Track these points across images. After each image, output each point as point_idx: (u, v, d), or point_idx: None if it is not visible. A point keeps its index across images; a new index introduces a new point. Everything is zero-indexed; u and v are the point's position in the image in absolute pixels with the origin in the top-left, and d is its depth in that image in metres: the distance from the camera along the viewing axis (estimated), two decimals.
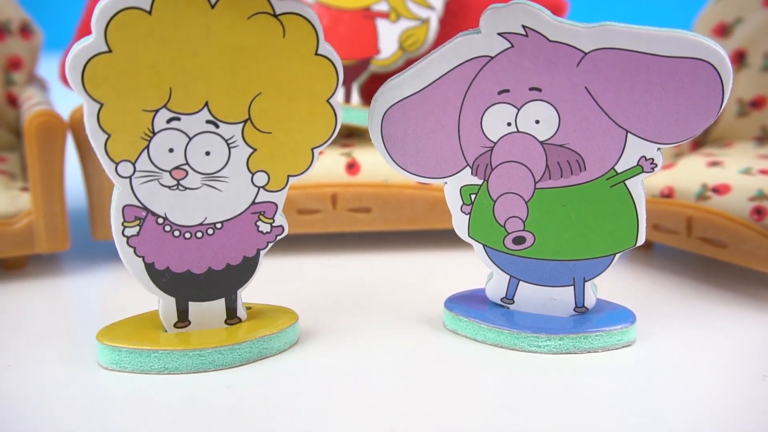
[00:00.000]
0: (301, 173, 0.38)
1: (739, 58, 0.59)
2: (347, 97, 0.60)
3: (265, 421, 0.34)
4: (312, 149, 0.38)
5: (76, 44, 0.34)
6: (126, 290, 0.50)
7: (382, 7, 0.59)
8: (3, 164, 0.56)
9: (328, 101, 0.37)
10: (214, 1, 0.35)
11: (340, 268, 0.54)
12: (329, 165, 0.55)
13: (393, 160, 0.40)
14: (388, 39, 0.59)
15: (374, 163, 0.55)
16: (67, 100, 0.58)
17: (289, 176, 0.38)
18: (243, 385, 0.37)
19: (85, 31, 0.61)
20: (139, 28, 0.34)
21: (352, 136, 0.61)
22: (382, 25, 0.59)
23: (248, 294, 0.41)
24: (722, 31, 0.60)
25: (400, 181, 0.55)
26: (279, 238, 0.39)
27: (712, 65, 0.36)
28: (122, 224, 0.37)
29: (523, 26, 0.37)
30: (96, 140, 0.36)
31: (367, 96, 0.61)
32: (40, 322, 0.45)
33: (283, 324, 0.40)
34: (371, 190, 0.55)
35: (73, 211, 0.59)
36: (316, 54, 0.36)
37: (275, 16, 0.35)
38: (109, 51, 0.34)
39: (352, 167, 0.55)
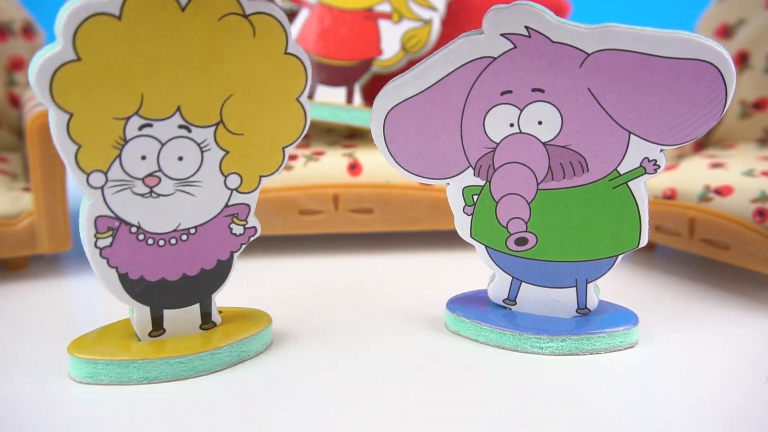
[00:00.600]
0: (273, 173, 0.38)
1: (742, 60, 0.59)
2: (349, 98, 0.60)
3: (270, 423, 0.34)
4: (283, 148, 0.38)
5: (41, 53, 0.33)
6: None
7: (385, 8, 0.59)
8: (5, 165, 0.56)
9: (297, 99, 0.38)
10: (185, 3, 0.34)
11: (342, 268, 0.54)
12: (331, 166, 0.55)
13: (395, 160, 0.40)
14: (391, 40, 0.59)
15: (376, 164, 0.55)
16: None
17: (261, 176, 0.38)
18: (242, 388, 0.37)
19: None
20: (108, 34, 0.33)
21: (354, 137, 0.61)
22: (384, 26, 0.59)
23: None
24: (725, 32, 0.60)
25: (401, 182, 0.55)
26: (252, 239, 0.39)
27: (715, 66, 0.36)
28: (94, 236, 0.36)
29: (526, 27, 0.37)
30: (65, 152, 0.34)
31: (369, 97, 0.61)
32: (42, 322, 0.45)
33: (260, 326, 0.40)
34: (373, 191, 0.55)
35: (74, 212, 0.59)
36: (286, 53, 0.37)
37: (245, 16, 0.35)
38: (78, 59, 0.33)
39: (354, 168, 0.55)
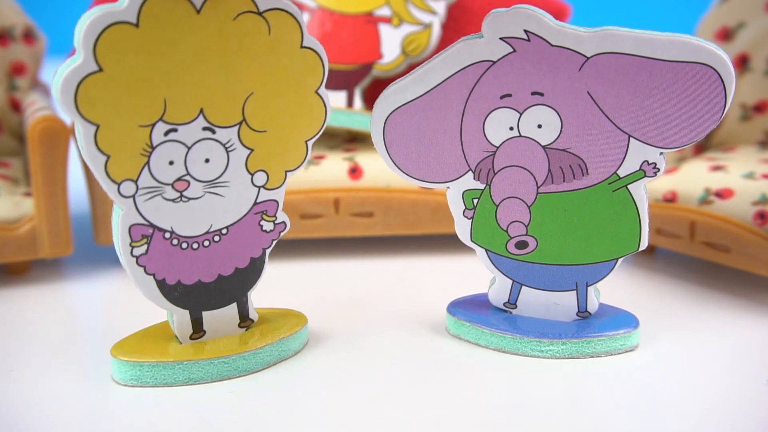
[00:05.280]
0: (297, 167, 0.39)
1: (742, 63, 0.59)
2: (350, 102, 0.60)
3: (271, 428, 0.34)
4: (305, 141, 0.38)
5: (63, 66, 0.33)
6: (128, 295, 0.50)
7: (385, 11, 0.59)
8: (6, 169, 0.56)
9: (316, 92, 0.38)
10: (200, 5, 0.34)
11: (343, 273, 0.54)
12: (332, 170, 0.55)
13: (395, 164, 0.40)
14: (391, 44, 0.59)
15: (377, 168, 0.55)
16: None
17: (286, 171, 0.39)
18: (247, 393, 0.37)
19: None
20: (128, 42, 0.33)
21: (354, 140, 0.61)
22: (384, 29, 0.59)
23: (252, 299, 0.41)
24: (725, 35, 0.60)
25: (402, 186, 0.55)
26: (282, 234, 0.39)
27: (714, 69, 0.36)
28: (130, 245, 0.36)
29: (525, 31, 0.37)
30: (95, 163, 0.34)
31: (369, 101, 0.61)
32: (43, 327, 0.45)
33: (297, 326, 0.41)
34: (374, 195, 0.55)
35: (75, 216, 0.59)
36: (302, 47, 0.37)
37: (259, 13, 0.36)
38: (100, 70, 0.33)
39: (355, 172, 0.55)
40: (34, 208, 0.50)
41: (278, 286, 0.50)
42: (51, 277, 0.53)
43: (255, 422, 0.35)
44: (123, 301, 0.49)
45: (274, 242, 0.40)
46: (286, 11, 0.36)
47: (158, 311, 0.41)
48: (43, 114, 0.50)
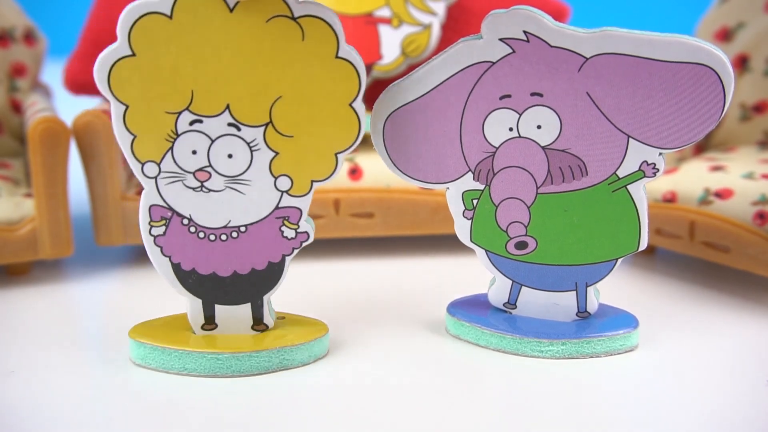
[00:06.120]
0: (326, 179, 0.38)
1: (742, 63, 0.59)
2: None
3: (272, 428, 0.34)
4: (336, 154, 0.38)
5: (106, 49, 0.36)
6: (129, 295, 0.50)
7: (385, 12, 0.59)
8: (7, 170, 0.56)
9: (350, 105, 0.37)
10: (233, 5, 0.35)
11: (342, 273, 0.54)
12: None
13: (395, 165, 0.40)
14: (391, 44, 0.59)
15: (377, 169, 0.55)
16: (70, 107, 0.58)
17: (313, 181, 0.38)
18: (248, 392, 0.37)
19: (90, 37, 0.61)
20: (160, 32, 0.35)
21: None
22: (384, 30, 0.59)
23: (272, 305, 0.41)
24: (724, 35, 0.60)
25: (402, 187, 0.55)
26: (305, 244, 0.39)
27: (713, 70, 0.36)
28: (149, 223, 0.38)
29: (525, 32, 0.37)
30: (123, 141, 0.37)
31: (369, 101, 0.61)
32: (44, 327, 0.45)
33: (307, 337, 0.40)
34: (374, 196, 0.55)
35: (76, 217, 0.59)
36: (337, 57, 0.36)
37: (294, 19, 0.36)
38: (133, 54, 0.35)
39: (355, 173, 0.56)
40: (35, 208, 0.50)
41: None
42: (52, 277, 0.53)
43: (257, 422, 0.35)
44: (124, 301, 0.50)
45: (296, 251, 0.39)
46: (323, 19, 0.36)
47: (161, 311, 0.42)
48: (43, 115, 0.50)
